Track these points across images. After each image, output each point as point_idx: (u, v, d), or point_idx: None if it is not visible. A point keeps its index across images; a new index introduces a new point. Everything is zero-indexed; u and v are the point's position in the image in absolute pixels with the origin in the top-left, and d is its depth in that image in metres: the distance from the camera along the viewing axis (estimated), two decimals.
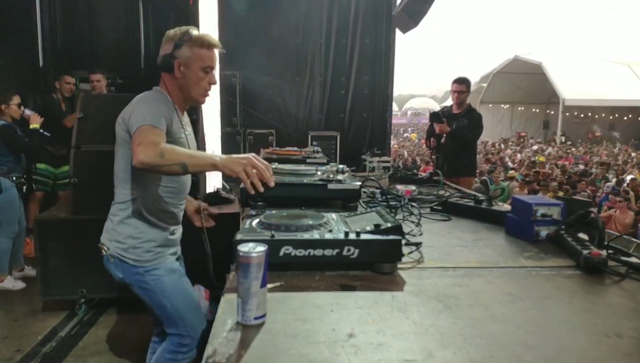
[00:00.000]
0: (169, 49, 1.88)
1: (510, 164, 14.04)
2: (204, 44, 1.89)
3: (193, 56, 1.88)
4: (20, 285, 4.21)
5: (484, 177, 9.42)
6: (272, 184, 1.60)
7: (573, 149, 21.33)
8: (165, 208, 1.99)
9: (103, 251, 1.96)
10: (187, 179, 2.08)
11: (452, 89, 4.88)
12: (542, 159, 16.14)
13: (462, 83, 4.82)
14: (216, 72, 2.00)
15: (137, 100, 1.90)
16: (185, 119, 2.10)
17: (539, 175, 10.55)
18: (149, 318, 2.26)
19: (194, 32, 1.89)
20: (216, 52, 1.94)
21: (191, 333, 2.04)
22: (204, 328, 2.10)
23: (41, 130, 4.23)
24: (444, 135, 4.71)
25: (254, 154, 1.63)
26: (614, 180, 9.53)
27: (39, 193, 4.82)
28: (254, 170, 1.56)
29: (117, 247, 1.94)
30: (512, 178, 9.60)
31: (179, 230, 2.14)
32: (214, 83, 1.98)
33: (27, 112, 4.25)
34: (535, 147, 22.02)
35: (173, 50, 1.86)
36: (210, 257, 2.37)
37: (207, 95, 2.01)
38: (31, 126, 4.16)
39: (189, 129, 2.09)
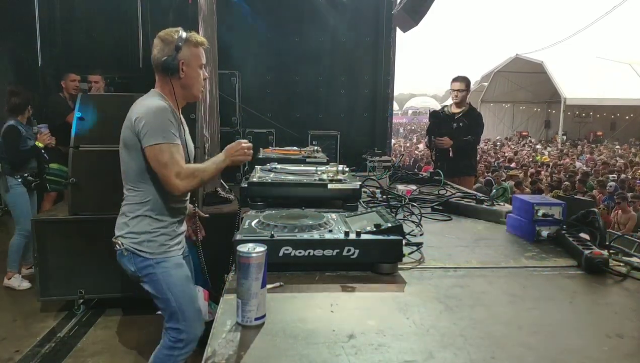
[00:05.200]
0: (170, 51, 2.01)
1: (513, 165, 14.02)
2: (198, 43, 2.07)
3: (192, 55, 2.05)
4: (25, 285, 4.21)
5: (488, 177, 9.42)
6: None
7: (579, 147, 21.31)
8: (173, 204, 2.11)
9: (117, 246, 2.08)
10: None
11: (452, 88, 4.87)
12: (546, 159, 16.09)
13: (461, 81, 4.80)
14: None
15: (145, 108, 1.99)
16: (182, 117, 2.21)
17: (539, 174, 10.56)
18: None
19: (184, 33, 2.05)
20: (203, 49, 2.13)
21: (189, 329, 2.13)
22: (202, 328, 2.18)
23: (43, 151, 4.23)
24: (450, 148, 4.66)
25: (237, 141, 2.10)
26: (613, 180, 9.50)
27: (53, 193, 4.83)
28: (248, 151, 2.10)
29: (132, 242, 2.05)
30: (513, 176, 9.57)
31: (183, 222, 2.25)
32: (207, 78, 2.19)
33: (43, 129, 4.25)
34: (538, 146, 22.03)
35: (175, 52, 2.01)
36: (205, 268, 2.44)
37: (202, 90, 2.20)
38: (37, 143, 4.16)
39: (185, 128, 2.20)
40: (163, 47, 2.02)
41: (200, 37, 2.09)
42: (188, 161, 2.13)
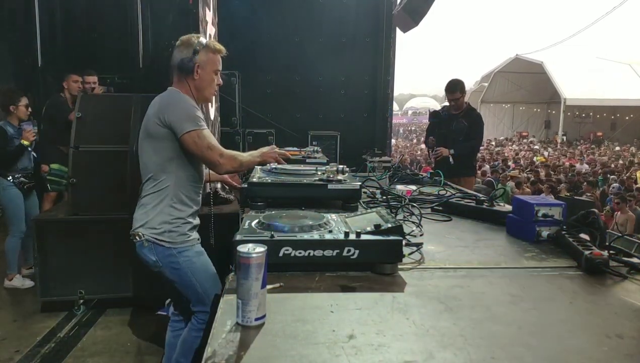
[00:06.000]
0: (188, 54, 2.14)
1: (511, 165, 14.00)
2: (216, 50, 2.22)
3: (208, 60, 2.19)
4: (29, 283, 4.19)
5: (490, 178, 9.40)
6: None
7: (579, 147, 21.31)
8: (190, 194, 2.20)
9: (137, 237, 2.13)
10: (204, 167, 2.32)
11: (447, 98, 4.81)
12: (541, 159, 16.10)
13: (454, 90, 4.69)
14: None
15: (172, 100, 2.13)
16: None
17: (539, 174, 10.54)
18: (170, 295, 2.44)
19: (204, 39, 2.21)
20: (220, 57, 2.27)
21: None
22: None
23: (30, 149, 4.21)
24: (450, 156, 4.62)
25: (271, 146, 2.35)
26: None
27: (53, 193, 4.84)
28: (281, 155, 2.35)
29: (152, 232, 2.11)
30: (513, 177, 9.55)
31: (197, 216, 2.32)
32: (221, 84, 2.31)
33: (25, 126, 4.22)
34: (536, 147, 22.06)
35: (193, 55, 2.14)
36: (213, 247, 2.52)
37: (215, 94, 2.35)
38: (22, 141, 4.13)
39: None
40: (182, 48, 2.16)
41: (219, 45, 2.23)
42: None
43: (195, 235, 2.26)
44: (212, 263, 2.30)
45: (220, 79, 2.30)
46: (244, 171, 2.46)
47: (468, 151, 4.72)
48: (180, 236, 2.15)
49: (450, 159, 4.61)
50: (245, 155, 2.26)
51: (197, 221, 2.29)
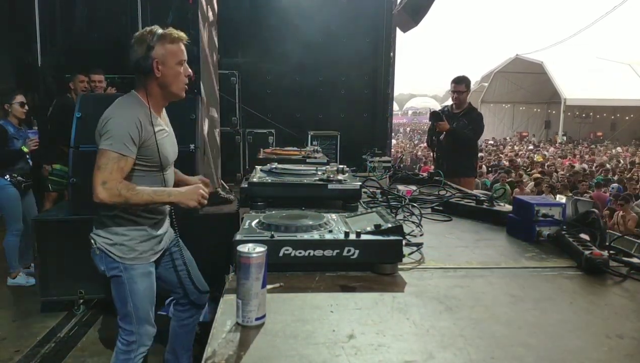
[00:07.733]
0: (143, 52, 1.94)
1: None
2: (174, 39, 1.98)
3: (168, 52, 1.97)
4: (32, 281, 4.19)
5: (496, 178, 9.41)
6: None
7: (580, 147, 21.34)
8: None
9: (92, 242, 2.07)
10: (171, 177, 2.18)
11: (451, 89, 4.86)
12: (540, 158, 16.11)
13: (460, 82, 4.79)
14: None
15: (110, 111, 1.96)
16: (163, 119, 2.15)
17: (544, 175, 10.52)
18: (172, 294, 2.45)
19: (160, 30, 1.97)
20: (183, 45, 2.03)
21: (140, 331, 2.15)
22: (153, 333, 2.21)
23: (28, 157, 4.23)
24: (444, 132, 4.66)
25: (197, 184, 2.08)
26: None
27: (54, 194, 4.84)
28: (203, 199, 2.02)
29: (104, 242, 2.05)
30: (536, 179, 9.45)
31: (165, 223, 2.21)
32: (190, 75, 2.08)
33: (31, 135, 4.28)
34: (531, 147, 22.09)
35: (147, 51, 1.94)
36: (190, 264, 2.41)
37: (186, 88, 2.08)
38: (23, 147, 4.15)
39: (167, 129, 2.15)
40: (136, 47, 1.96)
41: (177, 33, 2.00)
42: (167, 164, 2.10)
43: (150, 251, 2.12)
44: (153, 289, 2.17)
45: (189, 70, 2.07)
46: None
47: (464, 137, 4.68)
48: (130, 251, 2.05)
49: (441, 136, 4.66)
50: (146, 193, 1.92)
51: (158, 231, 2.15)
